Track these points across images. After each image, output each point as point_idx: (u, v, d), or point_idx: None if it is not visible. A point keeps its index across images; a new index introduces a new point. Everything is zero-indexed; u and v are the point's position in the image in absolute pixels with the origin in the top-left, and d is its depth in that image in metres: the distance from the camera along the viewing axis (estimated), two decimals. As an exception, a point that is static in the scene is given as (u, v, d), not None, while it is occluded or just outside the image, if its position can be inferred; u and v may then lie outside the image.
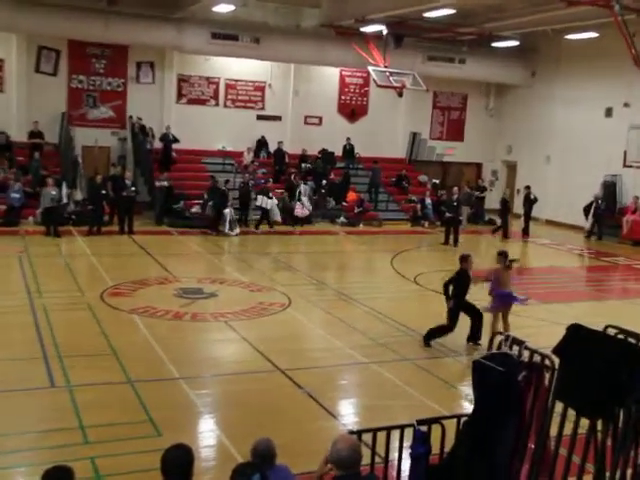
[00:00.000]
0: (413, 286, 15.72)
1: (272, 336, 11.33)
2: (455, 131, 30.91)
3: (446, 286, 11.01)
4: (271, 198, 23.31)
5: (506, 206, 24.19)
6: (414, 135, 29.64)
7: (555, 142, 28.10)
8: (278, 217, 23.40)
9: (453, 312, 10.85)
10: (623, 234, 24.29)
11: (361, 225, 24.74)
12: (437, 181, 29.05)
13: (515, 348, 5.42)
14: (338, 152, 27.58)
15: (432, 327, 11.08)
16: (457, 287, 10.93)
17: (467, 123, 31.04)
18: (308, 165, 26.37)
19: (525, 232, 25.04)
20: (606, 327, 5.82)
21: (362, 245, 21.79)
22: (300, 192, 24.07)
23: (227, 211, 21.81)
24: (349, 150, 27.78)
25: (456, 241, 21.45)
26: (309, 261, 19.03)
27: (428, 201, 26.22)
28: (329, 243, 21.81)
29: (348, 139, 27.73)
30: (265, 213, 22.92)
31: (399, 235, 23.74)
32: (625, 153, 25.31)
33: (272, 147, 26.79)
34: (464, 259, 11.00)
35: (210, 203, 21.93)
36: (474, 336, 11.08)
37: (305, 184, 24.82)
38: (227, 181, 23.03)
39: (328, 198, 25.43)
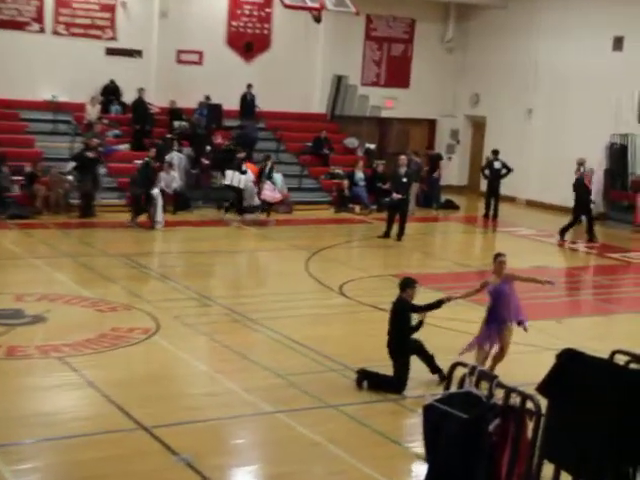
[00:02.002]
0: (339, 299, 15.82)
1: (132, 377, 11.21)
2: (398, 74, 31.25)
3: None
4: (245, 173, 23.47)
5: (584, 192, 23.02)
6: (339, 80, 29.78)
7: (540, 89, 28.79)
8: (255, 200, 23.66)
9: (398, 359, 11.01)
10: (638, 219, 25.03)
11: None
12: (372, 146, 29.31)
13: (484, 385, 5.50)
14: (230, 105, 27.31)
15: (374, 371, 11.17)
16: (397, 324, 11.12)
17: (415, 62, 31.47)
18: (183, 124, 26.23)
19: (490, 216, 25.67)
20: (613, 353, 5.98)
21: (264, 241, 21.78)
22: (172, 164, 23.88)
23: (156, 192, 21.92)
24: (250, 102, 27.73)
25: (401, 232, 21.66)
26: (187, 266, 18.89)
27: (360, 175, 26.43)
28: (216, 238, 21.70)
29: (249, 87, 27.54)
30: (237, 195, 23.37)
31: (318, 225, 23.85)
32: (640, 103, 26.06)
33: (129, 97, 26.51)
34: (405, 286, 11.22)
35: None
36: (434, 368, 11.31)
37: (178, 152, 24.65)
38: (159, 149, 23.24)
39: (214, 172, 25.38)
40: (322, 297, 15.98)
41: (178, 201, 23.87)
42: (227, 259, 20.04)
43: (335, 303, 15.59)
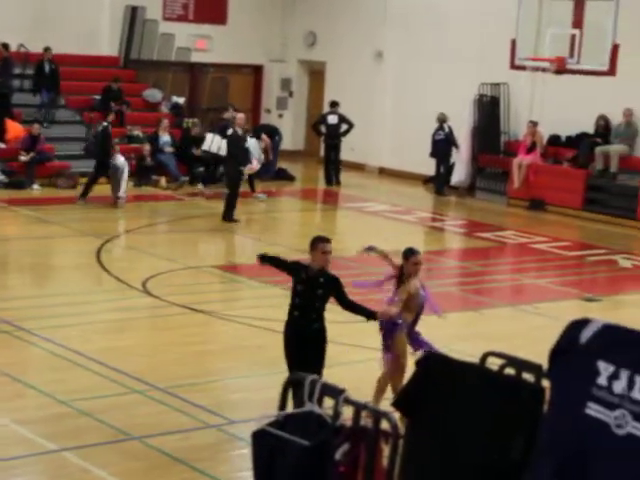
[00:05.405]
0: (142, 299, 15.76)
1: None
2: (211, 5, 31.15)
3: None
4: None
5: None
6: (133, 12, 29.46)
7: (392, 25, 29.16)
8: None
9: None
10: (512, 189, 25.78)
11: (35, 186, 24.44)
12: (181, 100, 29.24)
13: (328, 403, 5.57)
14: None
15: None
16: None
17: (233, -11, 31.53)
18: None
19: (330, 180, 26.76)
20: (485, 355, 6.18)
21: (38, 225, 21.41)
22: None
23: (121, 162, 22.23)
24: (50, 74, 26.58)
25: (229, 214, 21.48)
26: None
27: (165, 139, 26.31)
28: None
29: (47, 51, 26.24)
30: (217, 163, 23.89)
31: (111, 204, 23.63)
32: (514, 44, 26.67)
33: None
34: (314, 244, 10.42)
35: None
36: None
37: None
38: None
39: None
40: (119, 297, 15.87)
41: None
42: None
43: (137, 304, 15.53)
